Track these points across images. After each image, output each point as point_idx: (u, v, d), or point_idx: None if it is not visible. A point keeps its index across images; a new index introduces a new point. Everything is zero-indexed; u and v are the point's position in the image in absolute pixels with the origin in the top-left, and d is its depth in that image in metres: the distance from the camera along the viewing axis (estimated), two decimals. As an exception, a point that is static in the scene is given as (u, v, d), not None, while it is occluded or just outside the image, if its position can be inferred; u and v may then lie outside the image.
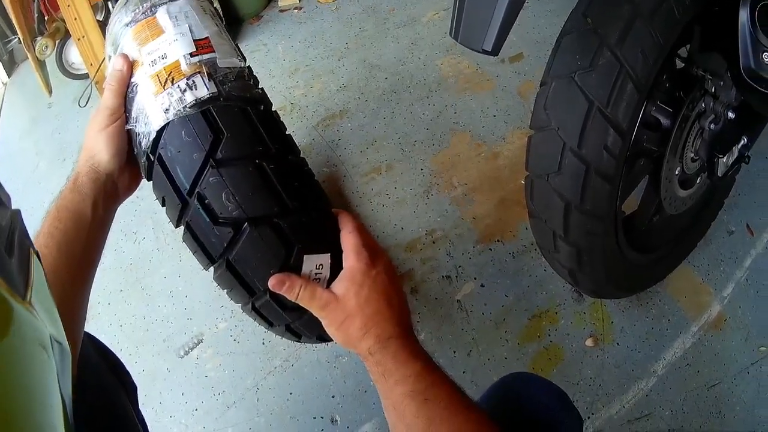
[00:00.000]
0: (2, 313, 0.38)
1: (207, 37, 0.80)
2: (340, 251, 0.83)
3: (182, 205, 0.79)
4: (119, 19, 0.84)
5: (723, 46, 1.05)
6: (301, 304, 0.75)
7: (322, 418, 1.39)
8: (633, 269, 1.46)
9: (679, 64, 1.25)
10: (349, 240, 0.76)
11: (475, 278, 1.59)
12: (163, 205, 0.82)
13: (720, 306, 1.66)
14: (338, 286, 0.74)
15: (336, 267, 0.84)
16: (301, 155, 0.89)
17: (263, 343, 1.44)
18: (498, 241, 1.66)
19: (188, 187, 0.77)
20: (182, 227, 0.82)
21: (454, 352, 1.46)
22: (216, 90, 0.77)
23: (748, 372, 1.56)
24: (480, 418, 0.65)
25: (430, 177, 1.78)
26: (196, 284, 1.54)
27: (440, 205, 1.73)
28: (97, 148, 0.81)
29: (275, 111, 0.89)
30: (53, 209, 0.78)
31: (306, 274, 0.84)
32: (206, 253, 0.82)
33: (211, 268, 0.89)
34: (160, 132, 0.76)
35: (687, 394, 1.49)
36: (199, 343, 1.46)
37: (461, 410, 0.65)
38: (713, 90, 1.20)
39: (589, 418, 1.43)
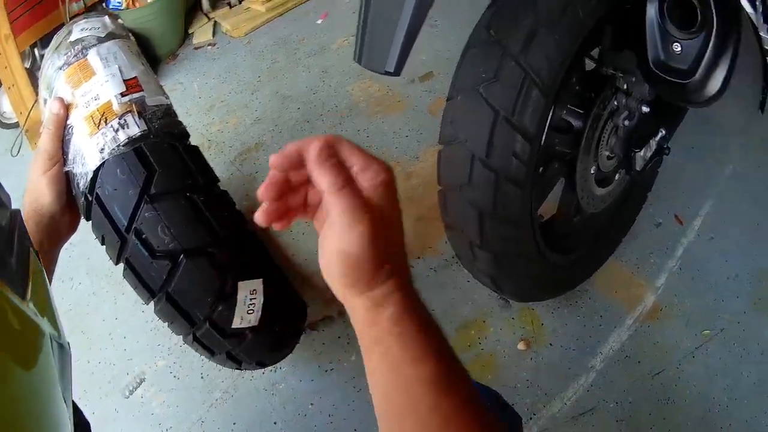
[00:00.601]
0: (33, 343, 0.42)
1: (135, 77, 0.90)
2: (269, 277, 0.91)
3: (121, 241, 0.87)
4: (52, 62, 0.93)
5: (634, 43, 1.14)
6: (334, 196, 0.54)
7: (266, 445, 1.44)
8: (556, 271, 1.54)
9: (592, 66, 1.35)
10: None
11: (399, 296, 1.66)
12: (102, 244, 0.90)
13: (654, 296, 1.77)
14: (374, 192, 0.57)
15: (267, 292, 0.96)
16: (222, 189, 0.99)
17: (202, 377, 1.51)
18: (419, 258, 1.76)
19: (126, 224, 0.85)
20: (122, 264, 0.90)
21: None
22: (146, 128, 0.87)
23: (694, 356, 1.66)
24: (493, 422, 0.57)
25: (346, 201, 1.87)
26: (133, 325, 1.61)
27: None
28: (39, 191, 0.88)
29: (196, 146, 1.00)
30: None
31: (241, 300, 0.95)
32: (147, 288, 0.91)
33: (152, 303, 0.97)
34: (96, 171, 0.84)
35: (630, 384, 1.58)
36: (142, 381, 1.52)
37: (478, 411, 0.56)
38: (625, 87, 1.30)
39: (531, 419, 1.49)
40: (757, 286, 1.85)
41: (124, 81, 0.89)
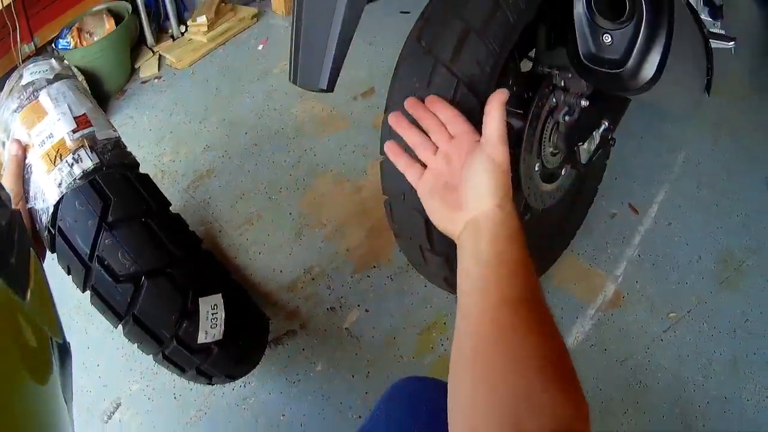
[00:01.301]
0: (34, 342, 0.45)
1: (84, 113, 1.01)
2: (228, 291, 1.07)
3: (86, 270, 0.97)
4: (7, 106, 1.03)
5: (566, 40, 1.19)
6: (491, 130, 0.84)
7: (243, 458, 1.52)
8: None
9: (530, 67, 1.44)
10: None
11: (358, 305, 1.76)
12: (68, 274, 1.00)
13: (614, 285, 1.87)
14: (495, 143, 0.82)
15: (228, 306, 1.08)
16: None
17: (175, 398, 1.58)
18: (374, 267, 1.86)
19: (88, 252, 0.95)
20: (89, 291, 1.00)
21: (353, 376, 1.62)
22: (99, 160, 0.97)
23: (662, 340, 1.76)
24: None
25: (299, 219, 1.97)
26: (105, 353, 1.68)
27: (313, 243, 1.91)
28: None
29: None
30: None
31: (203, 315, 1.06)
32: (114, 312, 1.02)
33: (120, 327, 1.06)
34: (57, 205, 0.94)
35: (599, 373, 1.67)
36: (118, 406, 1.59)
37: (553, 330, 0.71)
38: (563, 84, 1.38)
39: (501, 415, 1.56)
40: (722, 265, 1.97)
41: (75, 118, 1.00)
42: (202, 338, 1.11)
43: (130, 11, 2.69)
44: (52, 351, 0.48)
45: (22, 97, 1.02)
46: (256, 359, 1.42)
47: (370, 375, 1.62)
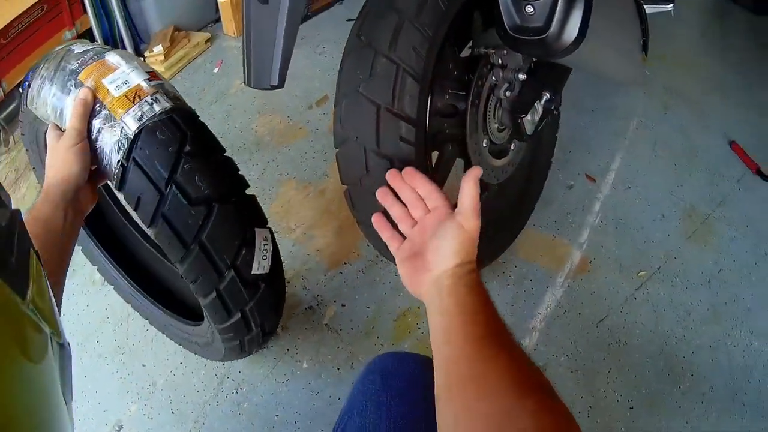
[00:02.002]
0: (34, 343, 0.44)
1: (153, 71, 1.13)
2: (271, 231, 1.20)
3: (160, 196, 1.06)
4: (55, 78, 1.11)
5: (494, 18, 1.24)
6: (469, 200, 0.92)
7: (245, 461, 1.57)
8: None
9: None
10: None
11: (335, 301, 1.81)
12: (135, 208, 1.08)
13: (580, 252, 1.94)
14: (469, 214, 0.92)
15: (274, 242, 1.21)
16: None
17: (173, 412, 1.62)
18: (345, 263, 1.92)
19: (167, 177, 1.05)
20: (155, 227, 1.08)
21: (338, 369, 1.67)
22: (173, 104, 1.09)
23: (635, 298, 1.82)
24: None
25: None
26: (101, 378, 1.71)
27: (285, 249, 1.96)
28: (67, 164, 1.06)
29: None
30: (27, 217, 1.00)
31: (258, 245, 1.17)
32: (181, 240, 1.09)
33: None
34: (136, 136, 1.04)
35: (576, 336, 1.72)
36: (120, 429, 1.62)
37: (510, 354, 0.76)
38: (500, 61, 1.46)
39: (481, 387, 1.61)
40: (688, 220, 2.06)
41: (147, 72, 1.11)
42: (255, 268, 1.20)
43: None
44: (52, 351, 0.48)
45: (81, 60, 1.10)
46: (281, 310, 1.49)
47: (355, 366, 1.67)
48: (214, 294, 1.18)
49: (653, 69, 2.67)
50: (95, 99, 1.07)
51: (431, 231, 0.94)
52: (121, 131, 1.05)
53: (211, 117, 2.54)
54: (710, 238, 2.01)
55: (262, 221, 1.24)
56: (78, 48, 1.15)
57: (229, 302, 1.22)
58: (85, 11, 2.70)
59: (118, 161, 1.06)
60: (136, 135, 1.05)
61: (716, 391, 1.62)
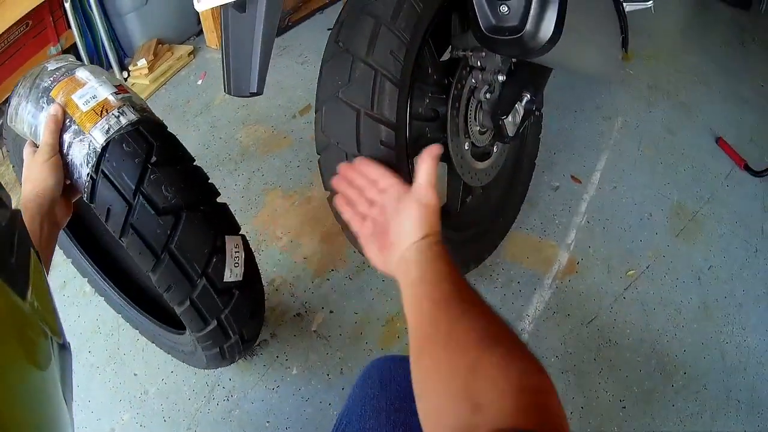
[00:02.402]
0: (34, 343, 0.45)
1: (120, 84, 1.16)
2: (243, 237, 1.23)
3: (128, 207, 1.08)
4: (31, 98, 1.14)
5: (470, 20, 1.25)
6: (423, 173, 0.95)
7: (235, 469, 1.56)
8: (459, 247, 1.69)
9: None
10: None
11: (322, 308, 1.81)
12: (106, 220, 1.10)
13: (567, 253, 1.94)
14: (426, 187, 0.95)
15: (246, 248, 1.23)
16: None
17: (164, 420, 1.63)
18: (332, 270, 1.92)
19: (134, 188, 1.08)
20: (125, 238, 1.09)
21: (328, 375, 1.67)
22: (140, 116, 1.12)
23: (625, 297, 1.82)
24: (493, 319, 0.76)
25: (256, 236, 2.03)
26: (94, 389, 1.72)
27: (272, 257, 1.97)
28: (41, 177, 1.08)
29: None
30: None
31: (229, 252, 1.18)
32: (151, 250, 1.11)
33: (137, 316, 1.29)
34: (103, 149, 1.07)
35: (565, 337, 1.72)
36: None
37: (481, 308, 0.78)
38: (478, 63, 1.46)
39: (473, 391, 1.61)
40: (675, 218, 2.05)
41: (114, 86, 1.14)
42: (227, 276, 1.21)
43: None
44: (52, 351, 0.48)
45: (53, 77, 1.13)
46: (261, 317, 1.49)
47: (344, 371, 1.67)
48: (187, 302, 1.20)
49: (636, 67, 2.69)
50: (65, 114, 1.10)
51: (391, 208, 0.96)
52: (89, 145, 1.08)
53: (195, 128, 2.54)
54: (699, 235, 2.02)
55: (234, 228, 1.26)
56: (52, 65, 1.18)
57: (204, 310, 1.23)
58: (69, 27, 2.70)
59: (88, 174, 1.08)
60: (104, 148, 1.07)
61: (710, 389, 1.62)
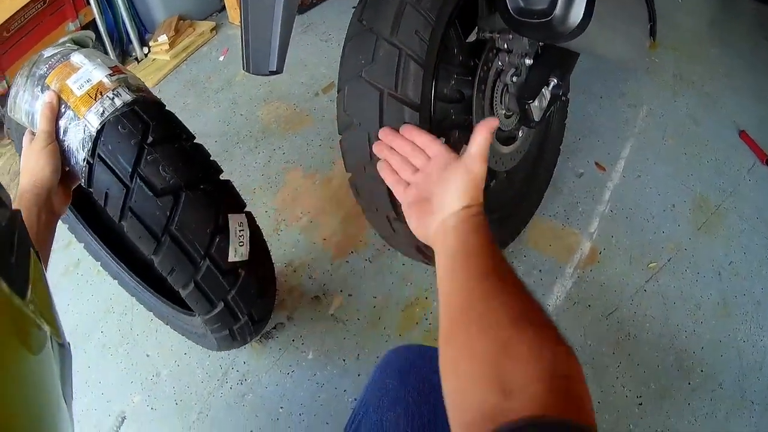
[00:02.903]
0: (34, 342, 0.44)
1: (116, 65, 1.10)
2: (249, 214, 1.15)
3: (126, 190, 1.03)
4: (28, 87, 1.09)
5: (498, 1, 1.21)
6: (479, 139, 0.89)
7: (248, 454, 1.51)
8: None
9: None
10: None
11: (341, 291, 1.74)
12: (104, 205, 1.05)
13: (590, 242, 1.85)
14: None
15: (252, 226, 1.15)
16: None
17: (176, 403, 1.57)
18: (352, 252, 1.85)
19: (130, 170, 1.02)
20: (125, 221, 1.04)
21: (344, 360, 1.60)
22: (135, 96, 1.06)
23: (646, 290, 1.73)
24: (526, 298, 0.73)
25: (275, 216, 1.95)
26: (105, 369, 1.68)
27: (291, 237, 1.89)
28: (39, 166, 1.04)
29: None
30: None
31: (233, 231, 1.12)
32: (151, 233, 1.05)
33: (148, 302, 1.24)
34: (99, 133, 1.01)
35: (585, 328, 1.64)
36: (124, 420, 1.58)
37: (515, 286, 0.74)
38: (505, 46, 1.41)
39: (494, 380, 1.53)
40: (698, 210, 1.96)
41: (109, 68, 1.08)
42: (231, 256, 1.15)
43: (93, 39, 2.65)
44: (52, 351, 0.47)
45: (48, 64, 1.09)
46: (272, 297, 1.42)
47: (360, 357, 1.60)
48: (192, 285, 1.14)
49: (661, 55, 2.59)
50: (61, 100, 1.06)
51: (436, 176, 0.91)
52: (85, 129, 1.04)
53: (216, 105, 2.47)
54: (720, 229, 1.93)
55: (239, 206, 1.19)
56: (48, 52, 1.14)
57: (209, 292, 1.17)
58: (88, 3, 2.63)
59: (84, 159, 1.04)
60: (99, 131, 1.02)
61: (725, 388, 1.55)
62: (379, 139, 1.04)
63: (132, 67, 2.81)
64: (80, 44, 2.28)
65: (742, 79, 2.57)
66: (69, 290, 1.90)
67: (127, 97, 1.05)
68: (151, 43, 2.83)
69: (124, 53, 2.91)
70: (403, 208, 0.95)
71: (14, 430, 0.37)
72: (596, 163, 2.09)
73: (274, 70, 1.05)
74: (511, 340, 0.63)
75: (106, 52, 2.74)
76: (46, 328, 0.46)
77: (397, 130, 1.02)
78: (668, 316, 1.68)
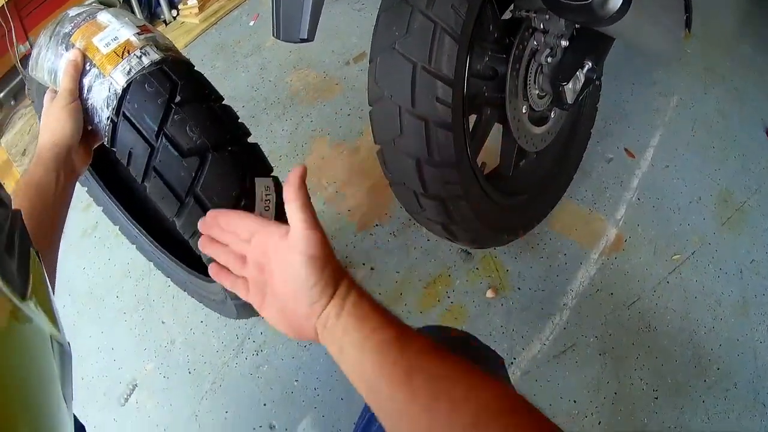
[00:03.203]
0: (34, 343, 0.42)
1: (144, 24, 1.05)
2: (277, 180, 1.07)
3: (151, 149, 0.98)
4: (51, 47, 1.05)
5: None
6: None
7: (260, 427, 1.47)
8: (509, 213, 1.58)
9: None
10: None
11: (363, 264, 1.70)
12: (128, 164, 1.00)
13: (616, 229, 1.80)
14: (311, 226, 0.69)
15: (278, 191, 1.08)
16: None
17: (189, 373, 1.55)
18: (377, 225, 1.80)
19: (156, 129, 0.97)
20: (148, 182, 1.00)
21: None
22: (163, 55, 1.01)
23: (668, 282, 1.68)
24: (455, 358, 0.61)
25: (300, 184, 1.90)
26: (118, 335, 1.65)
27: (316, 207, 1.80)
28: (60, 124, 0.99)
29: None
30: (21, 183, 0.95)
31: (259, 195, 1.05)
32: (175, 194, 1.01)
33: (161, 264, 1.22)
34: (125, 91, 0.97)
35: (606, 317, 1.60)
36: (135, 388, 1.57)
37: (436, 352, 0.62)
38: (542, 26, 1.36)
39: (512, 363, 1.51)
40: (723, 205, 1.90)
41: (137, 26, 1.04)
42: None
43: (121, 1, 2.61)
44: (52, 351, 0.46)
45: (74, 23, 1.04)
46: None
47: (380, 332, 1.55)
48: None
49: (693, 48, 2.51)
50: (86, 59, 1.01)
51: (268, 263, 0.72)
52: (110, 87, 0.99)
53: (245, 69, 2.42)
54: (744, 226, 1.87)
55: (266, 170, 1.13)
56: (74, 11, 1.09)
57: None
58: (116, -37, 2.55)
59: (108, 117, 0.99)
60: (125, 89, 0.97)
61: (739, 389, 1.51)
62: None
63: (161, 30, 2.75)
64: (107, 4, 2.24)
65: (771, 78, 2.49)
66: (86, 253, 1.87)
67: (155, 56, 1.01)
68: (180, 6, 2.78)
69: (152, 15, 2.86)
70: (260, 312, 0.75)
71: (14, 431, 0.36)
72: (626, 150, 2.03)
73: (305, 38, 1.02)
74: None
75: (133, 14, 2.68)
76: (46, 328, 0.45)
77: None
78: (689, 310, 1.63)
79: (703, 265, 1.74)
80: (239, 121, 1.12)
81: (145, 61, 0.99)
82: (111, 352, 1.61)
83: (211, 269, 0.79)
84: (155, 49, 1.01)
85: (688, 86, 2.30)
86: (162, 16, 2.82)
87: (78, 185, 1.09)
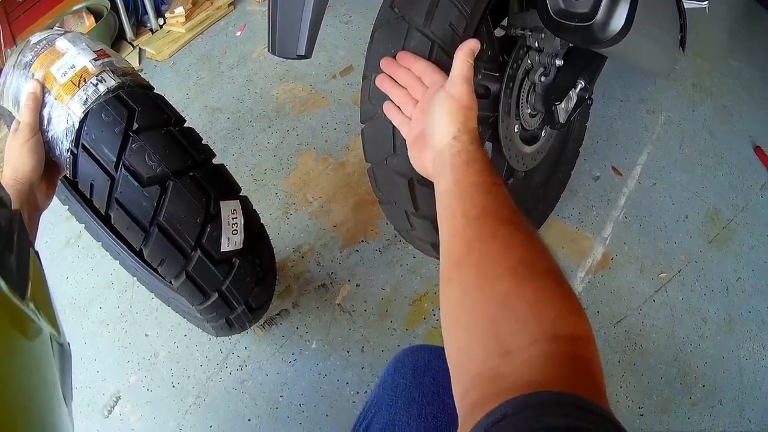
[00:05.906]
0: (33, 343, 0.43)
1: (102, 49, 1.05)
2: (245, 199, 1.10)
3: (111, 180, 0.98)
4: (15, 74, 1.05)
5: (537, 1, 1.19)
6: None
7: (245, 442, 1.49)
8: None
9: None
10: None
11: (349, 280, 1.71)
12: (90, 196, 1.01)
13: (602, 247, 1.82)
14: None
15: (244, 213, 1.10)
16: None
17: (173, 386, 1.55)
18: (362, 241, 1.81)
19: (115, 160, 0.97)
20: (112, 212, 1.01)
21: (348, 352, 1.58)
22: (120, 81, 1.01)
23: (654, 300, 1.71)
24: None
25: (285, 199, 1.91)
26: (102, 346, 1.65)
27: (301, 222, 1.85)
28: (21, 160, 0.99)
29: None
30: None
31: (225, 219, 1.07)
32: (139, 224, 1.01)
33: (140, 275, 1.20)
34: (82, 121, 0.97)
35: (594, 335, 1.59)
36: (118, 400, 1.56)
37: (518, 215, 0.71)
38: (536, 44, 1.37)
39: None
40: (709, 224, 1.93)
41: (94, 51, 1.04)
42: (224, 245, 1.11)
43: (108, 8, 2.63)
44: (51, 351, 0.47)
45: (34, 51, 1.04)
46: (271, 284, 1.37)
47: (365, 349, 1.58)
48: (183, 276, 1.10)
49: (682, 64, 2.55)
50: (44, 89, 1.01)
51: (428, 107, 0.86)
52: (68, 118, 0.99)
53: (230, 81, 2.42)
54: (731, 244, 1.90)
55: (232, 192, 1.14)
56: (35, 38, 1.09)
57: (201, 283, 1.13)
58: (103, -31, 2.57)
59: (68, 149, 0.99)
60: (82, 120, 0.98)
61: (725, 405, 1.53)
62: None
63: (146, 39, 2.76)
64: (95, 11, 2.25)
65: (760, 94, 2.53)
66: (69, 262, 1.86)
67: (112, 82, 1.01)
68: (167, 15, 2.78)
69: (140, 23, 2.85)
70: (408, 147, 0.92)
71: (14, 430, 0.37)
72: (613, 168, 2.05)
73: (303, 54, 1.00)
74: (510, 293, 0.58)
75: (120, 22, 2.69)
76: (46, 328, 0.46)
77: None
78: (675, 328, 1.66)
79: (690, 283, 1.76)
80: (202, 143, 1.12)
81: (102, 88, 0.99)
82: (94, 363, 1.61)
83: (386, 106, 0.98)
84: (112, 75, 1.02)
85: (677, 103, 2.34)
86: (149, 24, 2.82)
87: (57, 202, 1.09)
